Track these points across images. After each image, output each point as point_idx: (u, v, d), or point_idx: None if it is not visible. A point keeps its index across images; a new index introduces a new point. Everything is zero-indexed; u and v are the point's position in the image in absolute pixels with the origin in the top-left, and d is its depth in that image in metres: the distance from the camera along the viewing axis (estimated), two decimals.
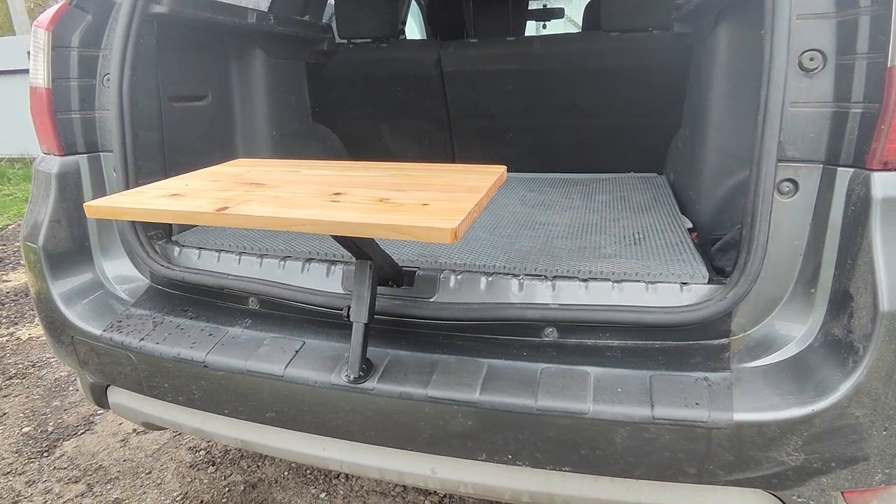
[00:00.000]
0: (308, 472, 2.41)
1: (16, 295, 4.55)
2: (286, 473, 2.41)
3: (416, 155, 3.17)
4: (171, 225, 1.91)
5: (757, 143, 1.23)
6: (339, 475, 2.38)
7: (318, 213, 0.92)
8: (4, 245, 5.84)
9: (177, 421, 1.61)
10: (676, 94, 2.46)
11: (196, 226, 2.00)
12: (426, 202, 1.01)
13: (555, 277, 1.44)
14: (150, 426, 1.76)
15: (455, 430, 1.28)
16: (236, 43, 2.32)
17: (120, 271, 1.79)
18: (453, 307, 1.41)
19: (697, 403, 1.17)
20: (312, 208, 0.95)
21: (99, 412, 2.84)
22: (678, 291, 1.38)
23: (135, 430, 2.69)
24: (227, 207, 0.91)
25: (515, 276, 1.45)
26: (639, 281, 1.40)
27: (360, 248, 1.26)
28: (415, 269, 1.51)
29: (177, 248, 1.77)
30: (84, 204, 0.96)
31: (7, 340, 3.74)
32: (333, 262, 1.58)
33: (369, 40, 2.95)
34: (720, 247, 1.61)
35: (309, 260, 1.60)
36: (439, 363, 1.34)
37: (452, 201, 0.91)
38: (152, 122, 1.84)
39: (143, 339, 1.54)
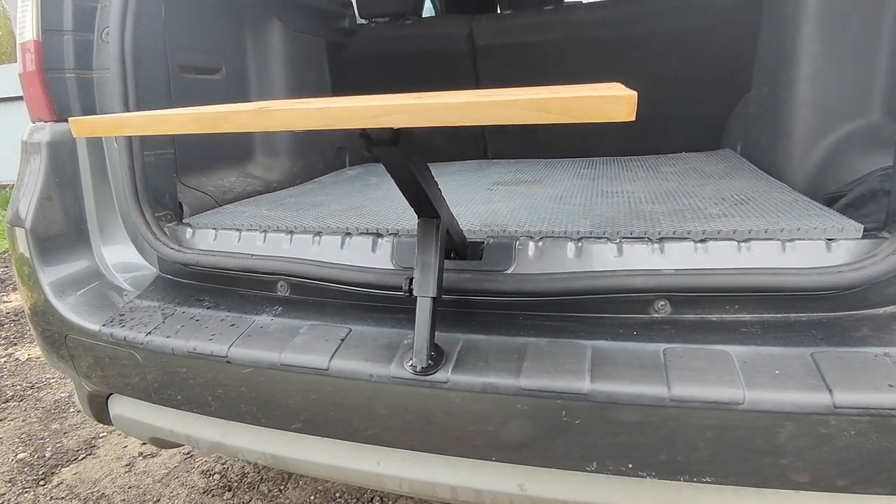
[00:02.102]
0: (338, 494, 2.09)
1: (16, 315, 4.30)
2: (312, 498, 2.10)
3: (443, 140, 2.91)
4: (181, 206, 1.64)
5: None
6: (372, 499, 2.07)
7: (411, 98, 0.63)
8: (6, 267, 5.61)
9: (192, 434, 1.32)
10: (741, 54, 2.19)
11: (212, 208, 1.73)
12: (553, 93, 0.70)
13: (661, 239, 1.15)
14: (160, 442, 1.47)
15: (555, 432, 0.98)
16: (252, 10, 2.08)
17: (122, 258, 1.52)
18: (536, 279, 1.12)
19: (891, 385, 0.87)
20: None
21: (102, 434, 2.54)
22: (824, 250, 1.09)
23: (141, 454, 2.39)
24: (267, 107, 0.64)
25: (610, 239, 1.17)
26: (771, 239, 1.11)
27: (429, 201, 0.98)
28: (482, 238, 1.23)
29: (189, 230, 1.50)
30: (69, 119, 0.70)
31: (5, 362, 3.47)
32: (379, 235, 1.30)
33: (390, 18, 2.72)
34: (850, 202, 1.33)
35: (348, 234, 1.33)
36: (528, 347, 1.04)
37: (593, 90, 0.62)
38: (159, 88, 1.58)
39: (150, 332, 1.26)
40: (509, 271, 1.17)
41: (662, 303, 1.11)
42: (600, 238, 1.18)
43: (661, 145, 2.52)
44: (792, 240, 1.10)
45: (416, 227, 1.29)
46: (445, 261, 1.20)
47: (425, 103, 0.57)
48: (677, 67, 2.42)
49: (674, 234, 1.17)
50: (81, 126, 0.70)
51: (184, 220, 1.60)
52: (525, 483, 1.07)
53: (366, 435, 1.10)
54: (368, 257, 1.27)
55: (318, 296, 1.31)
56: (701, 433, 0.93)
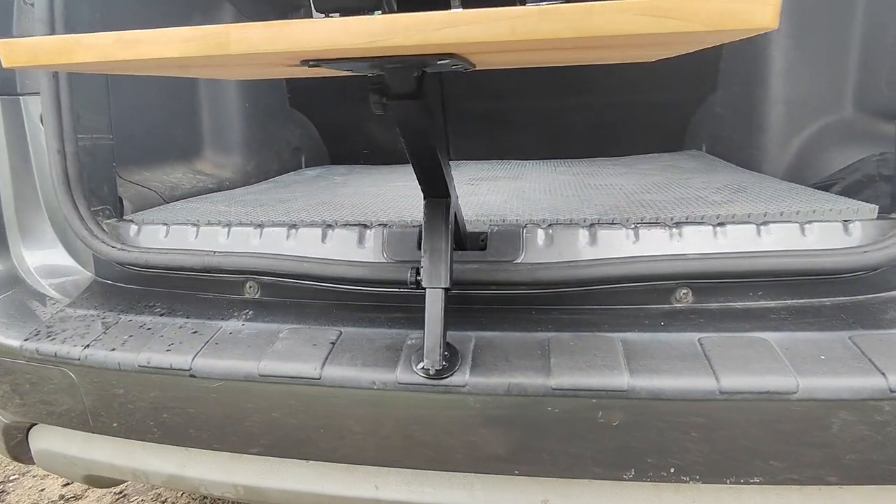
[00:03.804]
0: None
1: None
2: None
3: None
4: (121, 202, 1.42)
5: None
6: None
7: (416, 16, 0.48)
8: None
9: (141, 467, 1.09)
10: (702, 56, 2.23)
11: (157, 205, 1.51)
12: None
13: (677, 224, 1.08)
14: (96, 481, 1.22)
15: (589, 437, 0.87)
16: None
17: (47, 260, 1.28)
18: (553, 268, 1.02)
19: None
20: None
21: (13, 476, 2.17)
22: (842, 231, 1.05)
23: (63, 496, 2.05)
24: (289, 25, 0.48)
25: (624, 225, 1.08)
26: (789, 221, 1.06)
27: (443, 176, 0.85)
28: (483, 227, 1.11)
29: (133, 227, 1.28)
30: None
31: None
32: (365, 226, 1.15)
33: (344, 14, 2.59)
34: (844, 190, 1.32)
35: (329, 226, 1.17)
36: (551, 343, 0.93)
37: None
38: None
39: (89, 346, 1.03)
40: (518, 261, 1.06)
41: (685, 291, 1.04)
42: (613, 224, 1.09)
43: (624, 149, 2.52)
44: (809, 222, 1.06)
45: (405, 218, 1.16)
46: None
47: (506, 11, 0.44)
48: (641, 72, 2.43)
49: (687, 219, 1.11)
50: (15, 52, 0.52)
51: (125, 217, 1.37)
52: (549, 498, 0.94)
53: (364, 454, 0.94)
54: (355, 251, 1.12)
55: (295, 296, 1.14)
56: (748, 428, 0.84)
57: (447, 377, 0.87)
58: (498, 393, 0.86)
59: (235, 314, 1.10)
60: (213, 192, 1.75)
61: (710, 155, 2.13)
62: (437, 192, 0.89)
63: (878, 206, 1.06)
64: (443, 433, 0.90)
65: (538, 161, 2.34)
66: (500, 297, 1.05)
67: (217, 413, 0.97)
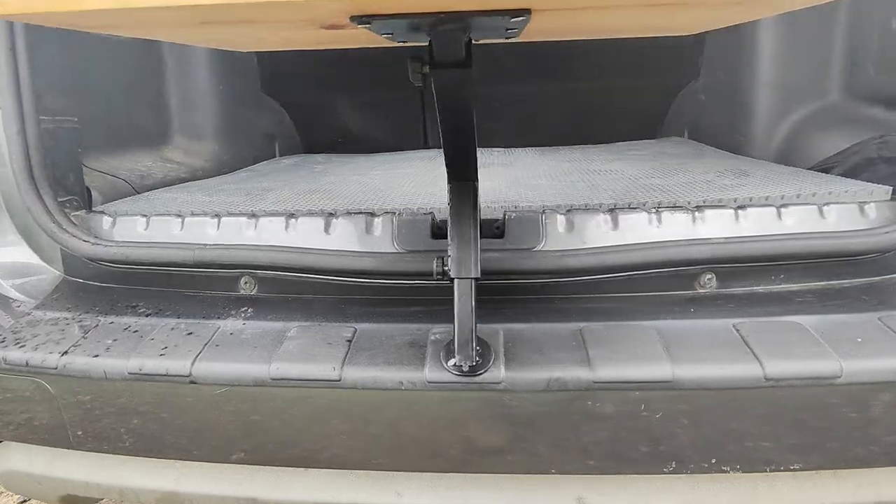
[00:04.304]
0: None
1: None
2: None
3: (382, 133, 2.68)
4: (88, 191, 1.28)
5: None
6: None
7: None
8: None
9: (128, 484, 0.99)
10: (682, 43, 2.23)
11: (129, 195, 1.38)
12: None
13: (698, 207, 1.05)
14: (74, 501, 1.10)
15: (630, 430, 0.83)
16: None
17: (8, 258, 1.14)
18: (580, 255, 0.97)
19: None
20: None
21: None
22: (857, 213, 1.05)
23: None
24: None
25: (645, 210, 1.05)
26: (808, 204, 1.05)
27: (475, 157, 0.78)
28: (498, 213, 1.05)
29: (107, 219, 1.16)
30: None
31: None
32: (373, 215, 1.07)
33: None
34: (844, 173, 1.33)
35: (332, 214, 1.08)
36: (584, 333, 0.88)
37: None
38: (48, 31, 1.22)
39: (67, 352, 0.92)
40: (539, 248, 1.01)
41: (709, 276, 1.01)
42: (634, 208, 1.05)
43: (603, 135, 2.50)
44: (827, 204, 1.05)
45: (407, 205, 1.09)
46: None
47: None
48: (621, 58, 2.42)
49: (705, 202, 1.08)
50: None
51: (94, 209, 1.24)
52: (585, 496, 0.90)
53: (386, 459, 0.87)
54: (363, 241, 1.04)
55: (297, 291, 1.05)
56: (789, 414, 0.82)
57: (482, 373, 0.81)
58: (537, 389, 0.81)
59: (233, 312, 1.00)
60: (186, 182, 1.62)
61: (694, 141, 2.14)
62: (465, 175, 0.82)
63: (891, 188, 1.07)
64: (474, 433, 0.84)
65: (522, 149, 2.29)
66: (522, 287, 1.00)
67: (221, 422, 0.88)
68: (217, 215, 1.12)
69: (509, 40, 0.69)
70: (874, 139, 1.30)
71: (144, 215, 1.15)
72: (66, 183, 1.19)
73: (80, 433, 0.94)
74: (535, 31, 0.65)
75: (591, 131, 2.51)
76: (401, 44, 0.67)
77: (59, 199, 1.14)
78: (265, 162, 2.07)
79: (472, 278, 0.82)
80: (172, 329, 0.96)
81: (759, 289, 1.01)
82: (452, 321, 0.92)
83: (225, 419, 0.87)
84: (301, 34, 0.66)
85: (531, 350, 0.85)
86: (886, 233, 0.98)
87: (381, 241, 1.03)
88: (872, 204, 1.05)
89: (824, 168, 1.42)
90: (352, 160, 2.06)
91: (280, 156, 2.31)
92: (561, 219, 1.03)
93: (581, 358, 0.83)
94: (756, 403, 0.82)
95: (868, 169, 1.28)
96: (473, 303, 0.81)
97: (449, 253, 0.83)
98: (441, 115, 0.69)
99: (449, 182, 0.85)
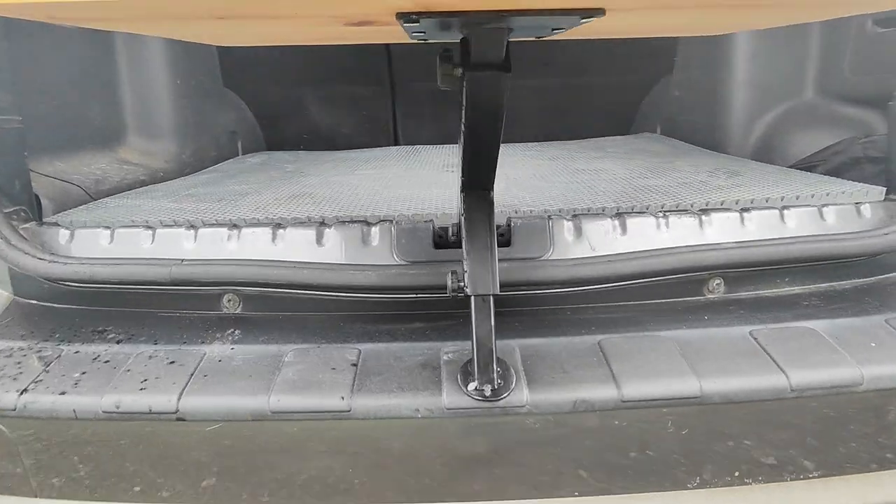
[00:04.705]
0: None
1: None
2: None
3: (350, 130, 2.57)
4: (38, 200, 1.14)
5: None
6: None
7: None
8: None
9: None
10: (654, 39, 2.24)
11: (84, 203, 1.24)
12: None
13: (703, 211, 1.03)
14: None
15: (657, 447, 0.80)
16: None
17: None
18: (591, 265, 0.93)
19: None
20: None
21: None
22: (854, 214, 1.06)
23: None
24: None
25: (651, 213, 1.02)
26: (808, 205, 1.05)
27: (496, 164, 0.72)
28: (501, 220, 1.00)
29: (63, 232, 1.03)
30: None
31: None
32: (367, 223, 0.99)
33: None
34: (828, 172, 1.35)
35: (323, 224, 1.00)
36: (604, 347, 0.84)
37: None
38: None
39: (27, 390, 0.80)
40: (547, 257, 0.96)
41: (718, 281, 1.00)
42: (641, 212, 1.02)
43: (575, 131, 2.49)
44: (826, 205, 1.06)
45: (402, 211, 1.02)
46: (458, 248, 0.95)
47: None
48: (594, 54, 2.41)
49: (708, 204, 1.07)
50: None
51: (46, 220, 1.11)
52: None
53: (401, 493, 0.80)
54: (360, 252, 0.96)
55: (287, 309, 0.96)
56: (811, 423, 0.81)
57: (504, 397, 0.76)
58: (563, 411, 0.76)
59: (218, 335, 0.91)
60: (146, 185, 1.48)
61: (668, 137, 2.16)
62: (482, 183, 0.76)
63: (885, 189, 1.08)
64: (493, 461, 0.79)
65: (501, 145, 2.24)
66: (532, 298, 0.95)
67: (215, 462, 0.79)
68: (192, 226, 1.01)
69: (540, 39, 0.63)
70: (859, 138, 1.32)
71: (107, 227, 1.03)
72: (11, 191, 1.05)
73: (44, 481, 0.83)
74: (574, 30, 0.60)
75: (564, 127, 2.50)
76: (421, 41, 0.60)
77: (5, 210, 1.01)
78: (229, 161, 1.94)
79: (491, 295, 0.76)
80: (150, 357, 0.86)
81: (767, 292, 1.01)
82: (463, 338, 0.87)
83: (219, 459, 0.78)
84: (315, 31, 0.57)
85: (552, 368, 0.81)
86: (885, 234, 0.99)
87: (379, 253, 0.96)
88: (868, 205, 1.07)
89: (807, 166, 1.44)
90: (322, 158, 1.96)
91: (243, 154, 2.18)
92: (568, 225, 0.99)
93: (605, 375, 0.79)
94: (779, 413, 0.80)
95: (854, 168, 1.30)
96: (491, 323, 0.75)
97: (465, 268, 0.77)
98: (468, 121, 0.63)
99: (462, 191, 0.79)
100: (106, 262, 0.96)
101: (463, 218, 0.78)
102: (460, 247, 0.93)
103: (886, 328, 0.89)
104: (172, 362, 0.84)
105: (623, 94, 2.47)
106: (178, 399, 0.77)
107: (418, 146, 2.15)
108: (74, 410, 0.78)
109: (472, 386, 0.76)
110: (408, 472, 0.77)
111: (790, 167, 1.49)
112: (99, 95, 1.51)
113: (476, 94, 0.59)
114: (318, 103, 2.52)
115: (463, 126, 0.65)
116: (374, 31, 0.52)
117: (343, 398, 0.76)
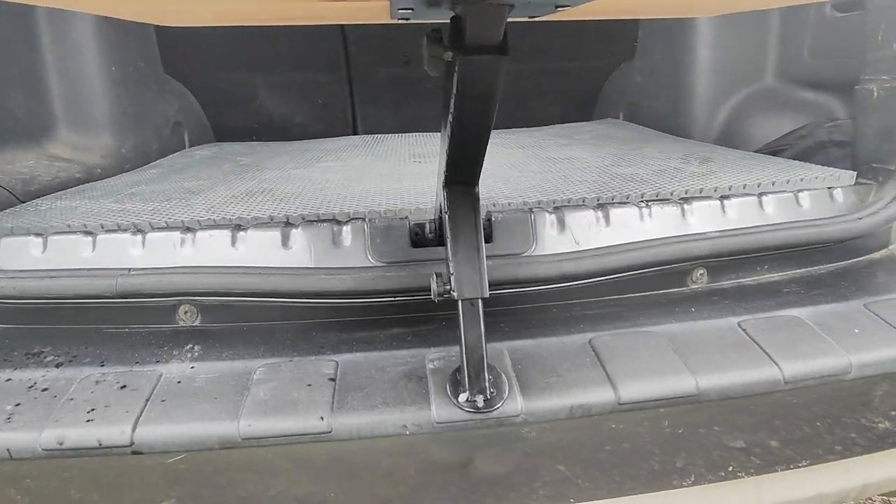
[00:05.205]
0: None
1: None
2: None
3: (305, 119, 2.45)
4: None
5: None
6: None
7: None
8: None
9: None
10: (614, 25, 2.22)
11: (10, 206, 1.10)
12: None
13: (683, 199, 1.01)
14: None
15: (653, 448, 0.77)
16: None
17: None
18: (584, 258, 0.89)
19: None
20: None
21: None
22: (828, 199, 1.07)
23: None
24: None
25: (633, 203, 0.99)
26: (783, 191, 1.05)
27: (483, 158, 0.66)
28: (485, 213, 0.94)
29: None
30: None
31: None
32: (338, 222, 0.92)
33: None
34: (795, 156, 1.36)
35: (289, 224, 0.92)
36: (596, 346, 0.81)
37: None
38: None
39: None
40: (531, 252, 0.92)
41: (701, 271, 0.98)
42: (623, 203, 0.99)
43: (536, 118, 2.46)
44: (801, 190, 1.06)
45: (372, 207, 0.96)
46: (437, 246, 0.89)
47: None
48: (553, 39, 2.37)
49: (687, 192, 1.05)
50: None
51: None
52: None
53: None
54: (331, 254, 0.89)
55: (252, 319, 0.88)
56: (801, 412, 0.81)
57: (498, 407, 0.71)
58: (559, 418, 0.72)
59: (176, 353, 0.82)
60: (82, 184, 1.34)
61: (632, 123, 2.15)
62: (467, 178, 0.71)
63: (856, 173, 1.09)
64: (491, 477, 0.74)
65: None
66: (515, 296, 0.90)
67: (179, 498, 0.70)
68: (139, 230, 0.91)
69: (533, 19, 0.58)
70: (824, 122, 1.34)
71: (39, 234, 0.91)
72: None
73: None
74: (574, 9, 0.55)
75: (526, 113, 2.46)
76: (405, 21, 0.53)
77: None
78: (175, 155, 1.80)
79: (480, 298, 0.71)
80: (98, 382, 0.76)
81: (748, 280, 1.00)
82: (448, 342, 0.81)
83: (184, 494, 0.70)
84: (285, 7, 0.50)
85: (545, 372, 0.76)
86: (860, 219, 1.00)
87: (352, 254, 0.89)
88: (840, 189, 1.08)
89: (774, 150, 1.45)
90: (279, 150, 1.84)
91: (191, 146, 2.03)
92: (551, 218, 0.95)
93: (600, 377, 0.75)
94: (771, 405, 0.79)
95: (820, 152, 1.32)
96: (481, 329, 0.70)
97: (451, 270, 0.71)
98: (456, 110, 0.57)
99: (445, 187, 0.73)
100: (38, 274, 0.84)
101: (447, 216, 0.72)
102: (440, 245, 0.88)
103: (866, 313, 0.89)
104: (124, 387, 0.75)
105: (585, 79, 2.46)
106: (133, 429, 0.68)
107: (380, 135, 2.07)
108: (8, 450, 0.68)
109: (463, 397, 0.70)
110: (398, 496, 0.71)
111: (756, 151, 1.50)
112: (20, 83, 1.35)
113: (468, 79, 0.52)
114: (269, 90, 2.39)
115: (450, 116, 0.58)
116: (352, 7, 0.45)
117: (322, 418, 0.69)
